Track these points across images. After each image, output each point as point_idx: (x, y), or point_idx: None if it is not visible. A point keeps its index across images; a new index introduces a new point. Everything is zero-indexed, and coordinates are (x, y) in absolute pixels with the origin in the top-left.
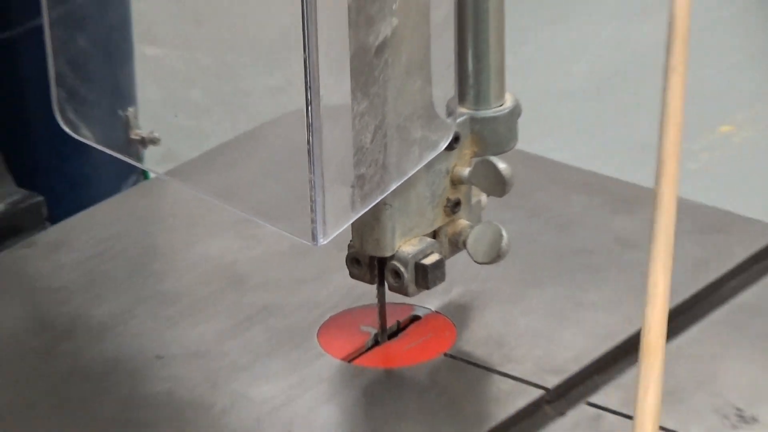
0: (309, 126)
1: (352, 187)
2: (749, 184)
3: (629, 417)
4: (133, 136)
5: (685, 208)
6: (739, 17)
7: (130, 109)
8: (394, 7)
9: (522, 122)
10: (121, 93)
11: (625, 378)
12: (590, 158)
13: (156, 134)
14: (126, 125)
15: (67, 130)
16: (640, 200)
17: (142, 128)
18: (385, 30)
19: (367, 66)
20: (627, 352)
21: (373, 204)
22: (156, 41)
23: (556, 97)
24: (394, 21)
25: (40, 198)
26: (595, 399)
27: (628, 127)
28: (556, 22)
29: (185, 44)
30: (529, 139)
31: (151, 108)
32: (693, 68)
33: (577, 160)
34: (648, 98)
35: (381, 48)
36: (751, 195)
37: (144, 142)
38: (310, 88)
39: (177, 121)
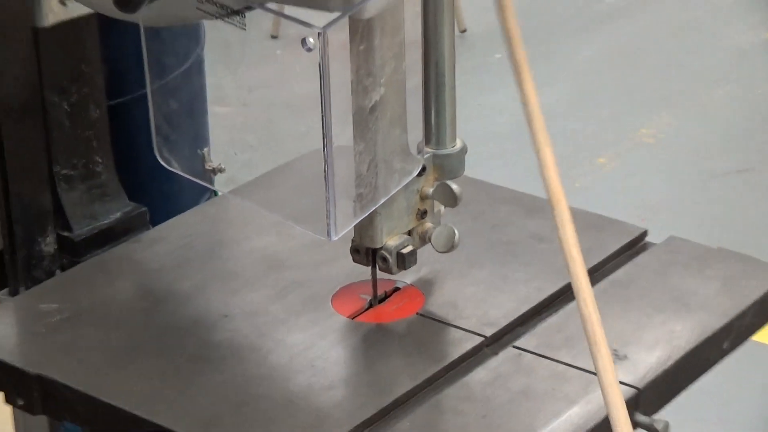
0: (325, 161)
1: (354, 201)
2: (617, 199)
3: (543, 356)
4: (207, 167)
5: (575, 214)
6: (603, 81)
7: (206, 149)
8: (382, 80)
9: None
10: (199, 138)
11: (538, 329)
12: (513, 179)
13: (222, 166)
14: (202, 160)
15: (163, 164)
16: (547, 209)
17: (213, 161)
18: (375, 96)
19: (363, 120)
20: (540, 311)
21: (369, 212)
22: (223, 102)
23: (487, 137)
24: (382, 90)
25: (144, 208)
26: (518, 343)
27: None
28: (485, 92)
29: (242, 104)
30: (471, 165)
31: (220, 147)
32: (574, 117)
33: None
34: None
35: (373, 108)
36: (618, 207)
37: (214, 171)
38: (325, 135)
39: (236, 157)
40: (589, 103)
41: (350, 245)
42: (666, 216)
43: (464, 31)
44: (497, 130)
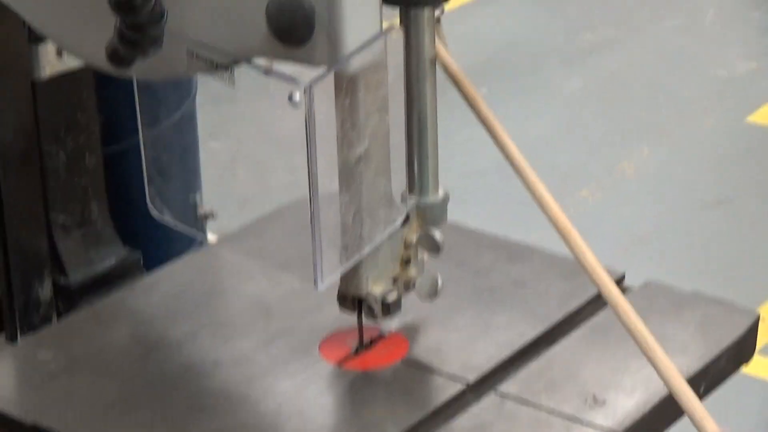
0: (311, 212)
1: (340, 251)
2: (600, 232)
3: (525, 402)
4: (199, 212)
5: (555, 260)
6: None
7: (197, 194)
8: (366, 133)
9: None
10: (191, 188)
11: (521, 374)
12: (498, 214)
13: (214, 210)
14: (194, 205)
15: (155, 215)
16: (528, 255)
17: (205, 207)
18: (360, 149)
19: (349, 172)
20: (522, 357)
21: (355, 262)
22: (218, 137)
23: (473, 172)
24: (367, 142)
25: (139, 253)
26: (501, 389)
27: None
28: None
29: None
30: (457, 201)
31: (212, 193)
32: (559, 149)
33: (489, 216)
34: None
35: (358, 160)
36: (602, 239)
37: (206, 216)
38: (311, 187)
39: (228, 203)
40: (574, 135)
41: (337, 293)
42: (649, 248)
43: None
44: (483, 165)
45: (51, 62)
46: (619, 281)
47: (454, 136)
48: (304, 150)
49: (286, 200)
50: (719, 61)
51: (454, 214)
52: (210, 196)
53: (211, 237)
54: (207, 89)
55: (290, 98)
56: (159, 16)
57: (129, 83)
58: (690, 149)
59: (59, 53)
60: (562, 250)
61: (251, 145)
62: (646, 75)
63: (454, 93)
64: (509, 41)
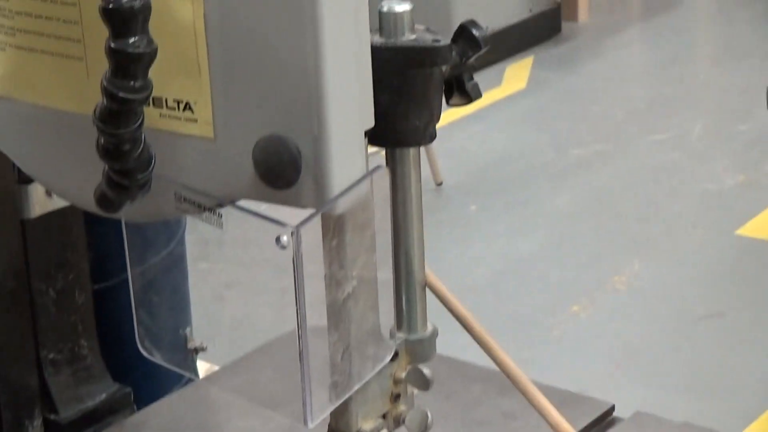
0: (301, 352)
1: (329, 388)
2: (592, 347)
3: None
4: (189, 346)
5: (546, 391)
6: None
7: (188, 329)
8: (354, 274)
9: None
10: (181, 324)
11: None
12: (491, 331)
13: (204, 344)
14: (184, 340)
15: (145, 354)
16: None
17: (196, 340)
18: (348, 288)
19: (337, 312)
20: None
21: (344, 399)
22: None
23: (465, 289)
24: (354, 282)
25: (129, 389)
26: None
27: (517, 309)
28: (462, 244)
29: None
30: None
31: (202, 327)
32: (550, 264)
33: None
34: (524, 296)
35: (346, 300)
36: (594, 355)
37: (197, 350)
38: (300, 327)
39: (216, 338)
40: (565, 250)
41: (327, 429)
42: (641, 362)
43: (440, 184)
44: (475, 282)
45: (40, 202)
46: (609, 412)
47: (445, 254)
48: (292, 287)
49: (277, 329)
50: (707, 174)
51: (446, 333)
52: (200, 321)
53: (202, 365)
54: (196, 229)
55: (278, 241)
56: (147, 162)
57: (118, 221)
58: (681, 263)
59: (48, 193)
60: (552, 379)
61: (241, 273)
62: (636, 190)
63: (443, 213)
64: (498, 158)
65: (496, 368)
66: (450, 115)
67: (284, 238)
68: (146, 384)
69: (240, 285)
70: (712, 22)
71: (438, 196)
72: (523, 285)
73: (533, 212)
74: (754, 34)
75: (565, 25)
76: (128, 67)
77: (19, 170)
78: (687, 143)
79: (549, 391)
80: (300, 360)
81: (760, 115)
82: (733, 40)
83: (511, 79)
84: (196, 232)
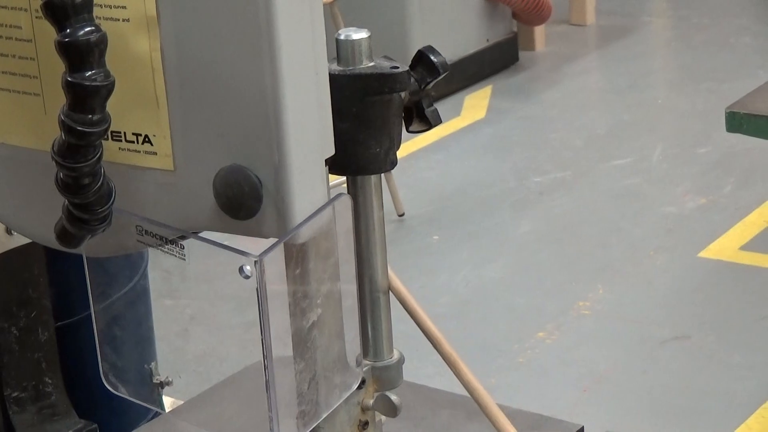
0: (267, 383)
1: (297, 418)
2: (559, 372)
3: None
4: (155, 381)
5: (514, 414)
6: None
7: (153, 363)
8: (318, 302)
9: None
10: (145, 355)
11: None
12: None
13: (170, 378)
14: (150, 374)
15: (110, 389)
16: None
17: (161, 375)
18: (313, 316)
19: (302, 340)
20: None
21: (312, 428)
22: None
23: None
24: (319, 311)
25: (94, 425)
26: None
27: (482, 337)
28: (426, 274)
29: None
30: (416, 347)
31: (167, 362)
32: (515, 292)
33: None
34: (490, 321)
35: (311, 328)
36: (561, 380)
37: (162, 384)
38: (266, 357)
39: (181, 373)
40: (528, 277)
41: None
42: (608, 387)
43: (402, 215)
44: (439, 311)
45: (0, 240)
46: None
47: (409, 285)
48: (256, 319)
49: (242, 361)
50: (669, 198)
51: (413, 361)
52: (165, 356)
53: (167, 401)
54: (158, 266)
55: (241, 271)
56: (107, 196)
57: (79, 258)
58: (644, 287)
59: (8, 231)
60: (520, 405)
61: (200, 308)
62: (598, 215)
63: (406, 244)
64: (459, 187)
65: (464, 394)
66: (410, 145)
67: (247, 268)
68: (112, 419)
69: (204, 320)
70: (668, 48)
71: (400, 227)
72: (488, 313)
73: (496, 240)
74: (712, 58)
75: (523, 54)
76: (85, 100)
77: None
78: (647, 168)
79: (519, 415)
80: (267, 390)
81: (719, 138)
82: (690, 64)
83: (470, 109)
84: (158, 268)
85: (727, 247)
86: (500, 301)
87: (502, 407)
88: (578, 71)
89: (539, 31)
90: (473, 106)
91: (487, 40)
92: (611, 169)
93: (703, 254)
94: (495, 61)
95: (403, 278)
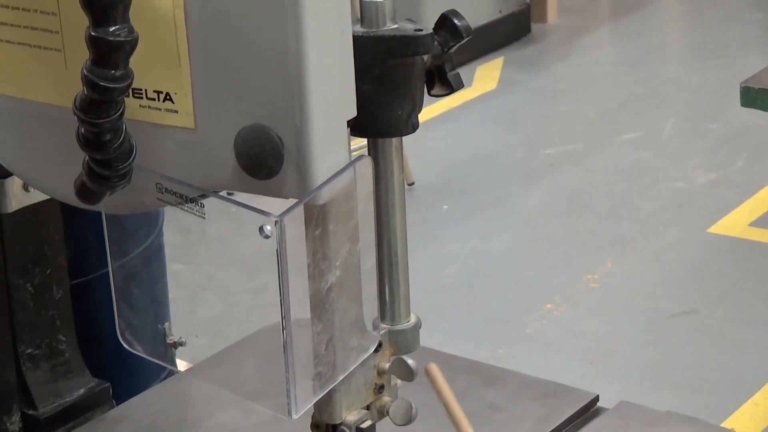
0: (284, 343)
1: (313, 379)
2: (567, 345)
3: None
4: (168, 341)
5: (530, 382)
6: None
7: (166, 324)
8: (337, 264)
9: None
10: (160, 318)
11: None
12: (465, 330)
13: (183, 339)
14: (163, 335)
15: (126, 346)
16: (502, 378)
17: (174, 335)
18: (331, 278)
19: (320, 302)
20: None
21: (328, 390)
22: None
23: (438, 289)
24: (338, 272)
25: (107, 384)
26: None
27: (490, 308)
28: (435, 244)
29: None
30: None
31: (181, 322)
32: (523, 264)
33: (456, 332)
34: (500, 290)
35: (330, 290)
36: (568, 352)
37: (175, 345)
38: (284, 319)
39: (198, 330)
40: (537, 249)
41: (310, 421)
42: (615, 360)
43: (412, 184)
44: (447, 281)
45: (17, 196)
46: (593, 403)
47: (418, 255)
48: (274, 277)
49: (255, 325)
50: (678, 173)
51: (421, 331)
52: (177, 320)
53: (181, 365)
54: (173, 217)
55: (261, 230)
56: (128, 153)
57: (95, 215)
58: (653, 261)
59: (26, 187)
60: (535, 368)
61: (218, 269)
62: (607, 189)
63: (416, 213)
64: (469, 158)
65: (481, 357)
66: (420, 115)
67: (268, 228)
68: (125, 379)
69: (219, 283)
70: (681, 22)
71: (410, 197)
72: (496, 284)
73: (505, 212)
74: (725, 33)
75: (535, 26)
76: (109, 55)
77: None
78: (658, 142)
79: (533, 382)
80: (284, 351)
81: (731, 113)
82: (703, 39)
83: (481, 80)
84: (174, 229)
85: (736, 223)
86: (508, 272)
87: (516, 374)
88: (590, 44)
89: (552, 3)
90: (484, 77)
91: (500, 11)
92: (622, 143)
93: (712, 230)
94: (507, 33)
95: (411, 248)
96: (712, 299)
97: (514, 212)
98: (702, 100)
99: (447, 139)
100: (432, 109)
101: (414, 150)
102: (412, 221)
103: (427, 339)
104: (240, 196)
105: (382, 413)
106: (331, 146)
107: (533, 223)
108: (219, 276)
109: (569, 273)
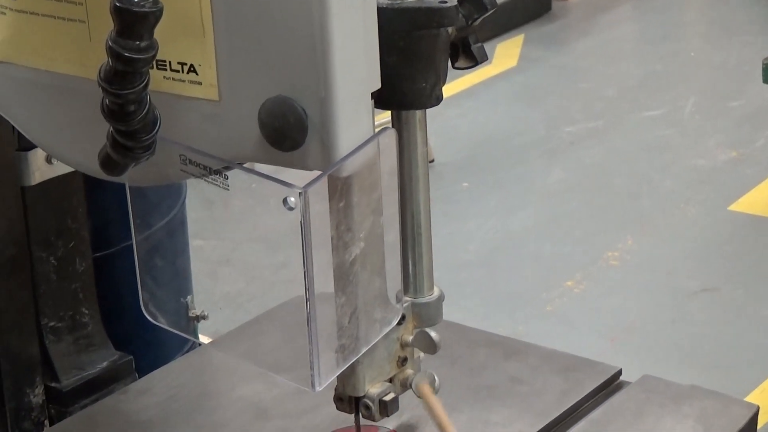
0: (308, 316)
1: (337, 352)
2: (587, 322)
3: None
4: (191, 315)
5: (551, 355)
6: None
7: (189, 297)
8: (361, 235)
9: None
10: (183, 290)
11: None
12: (484, 307)
13: (206, 313)
14: (186, 308)
15: (149, 318)
16: (524, 351)
17: (197, 309)
18: (355, 250)
19: (344, 274)
20: None
21: (351, 362)
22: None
23: (458, 265)
24: (361, 244)
25: (130, 357)
26: None
27: (510, 285)
28: (455, 221)
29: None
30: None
31: (204, 295)
32: (543, 240)
33: (475, 309)
34: (521, 269)
35: (353, 262)
36: (589, 329)
37: (198, 318)
38: (308, 290)
39: (220, 304)
40: (558, 226)
41: (333, 393)
42: (636, 337)
43: (432, 161)
44: (468, 258)
45: (40, 168)
46: (616, 377)
47: (438, 231)
48: (298, 251)
49: (276, 299)
50: (700, 150)
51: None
52: (198, 295)
53: (203, 339)
54: (195, 189)
55: (285, 202)
56: (152, 124)
57: (118, 188)
58: (674, 239)
59: (49, 160)
60: (555, 345)
61: (239, 243)
62: (628, 166)
63: (436, 190)
64: (489, 135)
65: (501, 334)
66: None
67: (292, 200)
68: (148, 352)
69: (242, 256)
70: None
71: (430, 174)
72: (516, 261)
73: (526, 189)
74: (747, 11)
75: (555, 4)
76: (134, 25)
77: (19, 137)
78: (679, 120)
79: (555, 356)
80: (308, 323)
81: (752, 91)
82: (725, 16)
83: (502, 57)
84: (197, 202)
85: (757, 200)
86: (528, 249)
87: (538, 348)
88: (611, 21)
89: None
90: (505, 54)
91: None
92: (643, 120)
93: (733, 207)
94: (528, 10)
95: (431, 224)
96: (733, 277)
97: (534, 190)
98: (724, 77)
99: (467, 117)
100: (452, 87)
101: (434, 127)
102: (433, 198)
103: (446, 316)
104: (263, 169)
105: (405, 386)
106: (355, 118)
107: (553, 200)
108: (241, 250)
109: (589, 250)
